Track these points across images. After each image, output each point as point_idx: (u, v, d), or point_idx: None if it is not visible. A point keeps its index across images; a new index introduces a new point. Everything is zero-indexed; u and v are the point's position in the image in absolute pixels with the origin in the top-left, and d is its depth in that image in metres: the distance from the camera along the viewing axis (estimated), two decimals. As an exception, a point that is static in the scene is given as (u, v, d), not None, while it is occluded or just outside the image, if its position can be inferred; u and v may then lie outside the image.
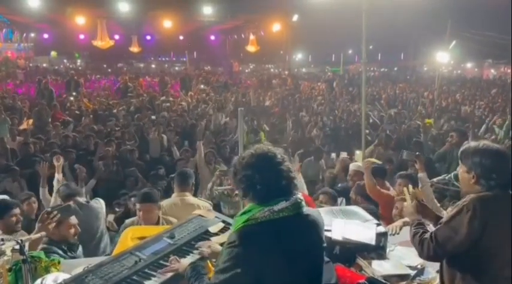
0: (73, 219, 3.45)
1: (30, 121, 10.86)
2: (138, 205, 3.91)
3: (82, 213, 4.04)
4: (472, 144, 2.52)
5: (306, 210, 2.11)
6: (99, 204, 4.56)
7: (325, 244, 2.19)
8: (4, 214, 3.67)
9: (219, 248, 2.40)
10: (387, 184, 5.11)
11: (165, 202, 4.32)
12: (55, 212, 3.15)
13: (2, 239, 2.19)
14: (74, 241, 3.45)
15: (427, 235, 2.44)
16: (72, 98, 14.34)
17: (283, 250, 1.96)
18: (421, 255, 2.49)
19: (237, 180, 2.08)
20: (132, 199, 5.59)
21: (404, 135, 9.70)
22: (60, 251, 3.28)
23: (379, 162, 5.19)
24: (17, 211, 3.76)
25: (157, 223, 3.79)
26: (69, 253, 3.36)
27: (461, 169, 2.53)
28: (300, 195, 2.09)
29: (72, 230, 3.42)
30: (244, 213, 2.05)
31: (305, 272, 2.05)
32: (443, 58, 15.62)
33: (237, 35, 31.60)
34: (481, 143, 2.47)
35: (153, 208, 3.81)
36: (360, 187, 5.00)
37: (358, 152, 7.55)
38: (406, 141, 9.19)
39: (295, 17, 24.54)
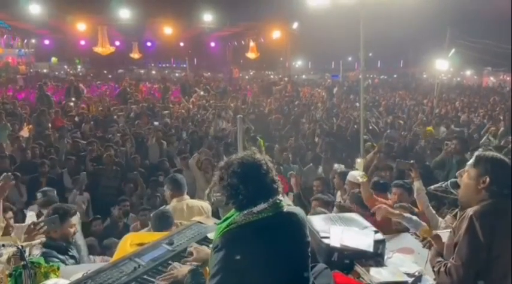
0: (74, 219, 3.56)
1: (30, 127, 10.86)
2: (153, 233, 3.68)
3: None
4: (491, 153, 2.58)
5: (287, 208, 2.16)
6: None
7: (309, 239, 2.21)
8: None
9: (207, 250, 2.44)
10: (389, 196, 5.10)
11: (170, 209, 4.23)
12: (42, 224, 3.16)
13: (3, 245, 2.20)
14: (72, 240, 3.54)
15: (450, 263, 2.41)
16: (71, 104, 14.37)
17: (265, 249, 2.02)
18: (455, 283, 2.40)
19: (222, 186, 2.14)
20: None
21: (409, 143, 9.66)
22: (60, 255, 3.32)
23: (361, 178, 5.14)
24: (8, 215, 3.74)
25: None
26: (69, 252, 3.43)
27: (469, 174, 2.54)
28: (279, 196, 2.14)
29: (72, 230, 3.53)
30: (225, 220, 2.13)
31: (290, 269, 2.09)
32: (442, 65, 15.72)
33: (237, 41, 31.68)
34: (500, 155, 2.53)
35: (171, 230, 3.63)
36: (356, 195, 5.01)
37: (358, 160, 7.55)
38: (409, 149, 9.18)
39: (295, 25, 24.64)
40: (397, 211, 3.52)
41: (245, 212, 2.06)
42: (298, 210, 2.24)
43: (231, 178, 2.09)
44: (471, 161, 2.58)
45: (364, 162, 7.50)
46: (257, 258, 2.00)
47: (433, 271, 2.59)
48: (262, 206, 2.06)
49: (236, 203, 2.09)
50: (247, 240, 2.02)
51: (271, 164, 2.18)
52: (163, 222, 3.70)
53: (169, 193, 4.42)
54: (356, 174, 5.64)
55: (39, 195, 4.60)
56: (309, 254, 2.20)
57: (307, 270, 2.19)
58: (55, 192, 4.76)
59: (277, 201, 2.11)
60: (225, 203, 2.13)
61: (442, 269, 2.44)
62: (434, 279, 2.66)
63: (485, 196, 2.43)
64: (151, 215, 4.05)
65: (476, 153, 2.60)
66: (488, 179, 2.42)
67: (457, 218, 2.61)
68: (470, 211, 2.39)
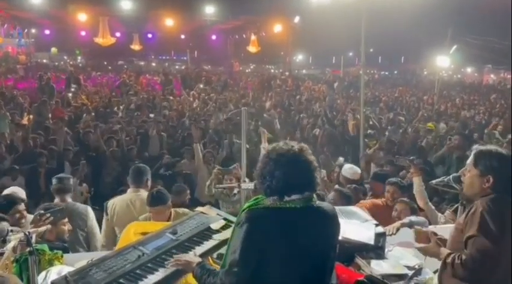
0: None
1: (31, 116, 10.86)
2: (148, 208, 3.76)
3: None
4: (489, 148, 2.52)
5: (319, 203, 2.16)
6: (86, 211, 4.23)
7: (336, 238, 2.21)
8: (9, 209, 3.56)
9: (195, 259, 2.36)
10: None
11: (118, 199, 4.20)
12: (48, 214, 3.08)
13: (12, 230, 2.22)
14: (68, 238, 3.47)
15: (465, 255, 2.32)
16: (70, 94, 14.34)
17: (287, 238, 2.02)
18: (472, 275, 2.30)
19: (259, 169, 2.15)
20: None
21: (412, 139, 9.63)
22: None
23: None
24: (21, 207, 3.68)
25: (169, 220, 3.66)
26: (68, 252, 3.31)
27: (471, 172, 2.51)
28: (313, 193, 2.15)
29: (66, 227, 3.44)
30: (254, 200, 2.15)
31: (309, 264, 2.08)
32: (443, 62, 15.72)
33: (239, 35, 31.61)
34: (498, 149, 2.49)
35: (164, 209, 3.70)
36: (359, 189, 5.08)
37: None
38: (411, 146, 9.17)
39: (296, 19, 24.56)
40: (398, 224, 3.56)
41: (275, 197, 2.07)
42: (330, 207, 2.23)
43: (270, 165, 2.09)
44: (470, 159, 2.54)
45: (365, 158, 7.56)
46: (276, 243, 2.01)
47: (443, 262, 2.49)
48: (294, 197, 2.07)
49: (266, 191, 2.10)
50: (269, 222, 2.04)
51: (316, 164, 2.16)
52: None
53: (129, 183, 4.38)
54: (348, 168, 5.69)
55: (54, 181, 4.29)
56: (333, 255, 2.20)
57: (326, 270, 2.17)
58: (71, 180, 4.44)
59: (310, 196, 2.12)
60: (256, 188, 2.15)
61: (458, 261, 2.35)
62: (434, 272, 2.67)
63: (490, 192, 2.42)
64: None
65: (473, 151, 2.55)
66: (491, 178, 2.41)
67: (461, 213, 2.60)
68: (479, 206, 2.36)
